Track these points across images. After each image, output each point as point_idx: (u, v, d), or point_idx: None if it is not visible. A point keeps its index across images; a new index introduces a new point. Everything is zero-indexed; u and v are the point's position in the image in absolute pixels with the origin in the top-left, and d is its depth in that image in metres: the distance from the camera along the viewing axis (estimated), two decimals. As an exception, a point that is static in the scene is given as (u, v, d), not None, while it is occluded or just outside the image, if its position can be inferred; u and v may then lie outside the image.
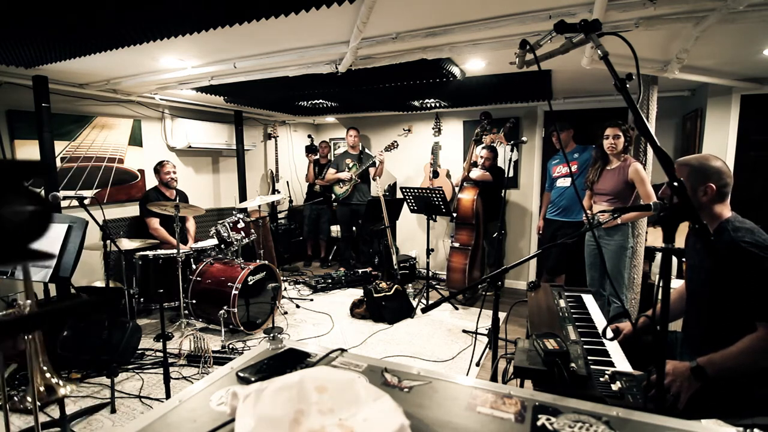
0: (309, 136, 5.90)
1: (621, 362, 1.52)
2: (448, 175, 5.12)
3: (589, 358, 1.48)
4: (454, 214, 4.36)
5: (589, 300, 2.17)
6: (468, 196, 4.28)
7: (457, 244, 4.36)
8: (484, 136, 4.46)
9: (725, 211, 1.54)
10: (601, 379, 1.31)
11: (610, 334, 1.64)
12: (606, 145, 3.06)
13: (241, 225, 3.85)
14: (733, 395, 1.42)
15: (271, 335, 1.15)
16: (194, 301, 3.57)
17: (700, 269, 1.61)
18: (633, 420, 0.77)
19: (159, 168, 4.02)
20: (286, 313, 4.05)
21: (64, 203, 3.30)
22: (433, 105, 4.75)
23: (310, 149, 5.67)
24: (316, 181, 5.62)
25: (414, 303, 4.12)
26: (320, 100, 4.47)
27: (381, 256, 4.88)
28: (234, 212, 4.02)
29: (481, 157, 4.43)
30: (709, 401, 1.41)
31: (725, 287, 1.48)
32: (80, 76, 3.36)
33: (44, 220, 0.40)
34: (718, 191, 1.51)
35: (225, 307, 3.34)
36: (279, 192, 6.04)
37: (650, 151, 2.95)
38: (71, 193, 3.74)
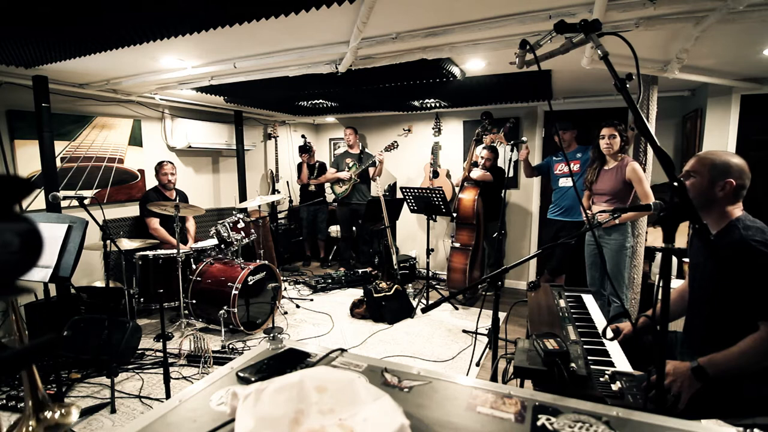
0: (303, 137, 5.90)
1: (621, 362, 1.52)
2: (448, 175, 5.12)
3: (589, 358, 1.48)
4: (455, 214, 4.36)
5: (589, 300, 2.17)
6: (468, 196, 4.28)
7: (457, 244, 4.36)
8: (484, 136, 4.46)
9: (737, 210, 1.53)
10: (601, 379, 1.31)
11: (610, 334, 1.64)
12: (602, 145, 3.07)
13: (241, 225, 3.85)
14: (733, 395, 1.42)
15: (271, 335, 1.15)
16: (194, 301, 3.57)
17: (703, 269, 1.61)
18: (633, 420, 0.77)
19: (158, 169, 4.03)
20: (286, 313, 4.05)
21: (64, 203, 3.31)
22: (433, 105, 4.75)
23: (304, 149, 5.67)
24: (310, 180, 5.62)
25: (414, 303, 4.12)
26: (320, 100, 4.47)
27: (381, 256, 4.88)
28: (234, 212, 4.02)
29: (482, 157, 4.43)
30: (710, 401, 1.41)
31: (730, 286, 1.47)
32: (80, 76, 3.36)
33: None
34: (735, 189, 1.50)
35: (225, 307, 3.34)
36: (279, 192, 6.05)
37: (650, 151, 2.95)
38: (71, 193, 3.75)
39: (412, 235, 5.71)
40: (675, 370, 1.43)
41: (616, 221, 2.96)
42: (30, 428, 1.32)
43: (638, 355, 1.63)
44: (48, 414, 1.36)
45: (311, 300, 4.44)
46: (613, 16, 1.95)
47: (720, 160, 1.52)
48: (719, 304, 1.52)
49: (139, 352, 3.14)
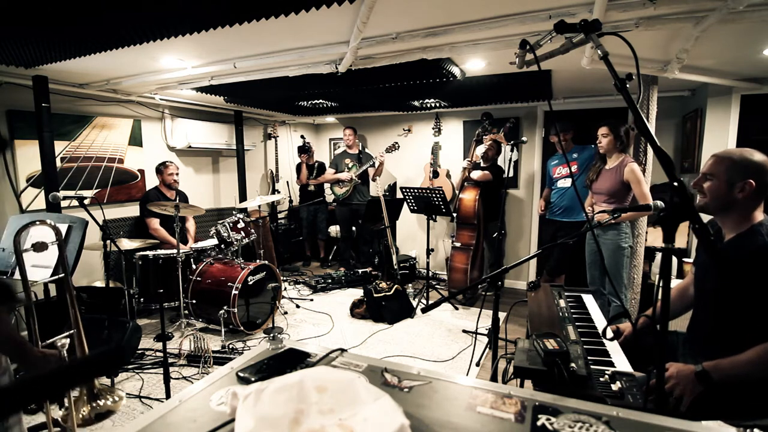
0: (302, 137, 5.91)
1: (621, 362, 1.51)
2: (448, 175, 5.12)
3: (589, 358, 1.47)
4: (455, 214, 4.36)
5: (589, 300, 2.17)
6: (469, 196, 4.28)
7: (458, 244, 4.36)
8: (484, 136, 4.46)
9: (759, 212, 1.44)
10: (601, 379, 1.31)
11: (610, 334, 1.63)
12: (598, 144, 3.10)
13: (241, 225, 3.85)
14: (736, 398, 1.40)
15: (271, 335, 1.15)
16: (194, 301, 3.57)
17: (710, 268, 1.56)
18: (633, 420, 0.77)
19: (162, 169, 4.03)
20: (286, 313, 4.05)
21: (64, 203, 3.30)
22: (433, 105, 4.75)
23: (303, 150, 5.68)
24: (309, 181, 5.63)
25: (414, 303, 4.12)
26: (320, 100, 4.47)
27: (381, 256, 4.88)
28: (234, 212, 4.02)
29: (485, 146, 4.40)
30: (712, 403, 1.39)
31: (745, 292, 1.39)
32: (80, 76, 3.36)
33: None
34: (757, 189, 1.40)
35: (225, 307, 3.34)
36: (279, 192, 6.05)
37: (650, 151, 2.95)
38: (71, 193, 3.75)
39: (412, 235, 5.71)
40: (678, 373, 1.40)
41: (612, 221, 2.95)
42: (83, 414, 1.42)
43: (638, 355, 1.63)
44: (101, 402, 1.46)
45: (311, 300, 4.44)
46: (613, 16, 1.95)
47: (738, 158, 1.42)
48: (727, 305, 1.48)
49: (139, 352, 3.14)
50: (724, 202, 1.45)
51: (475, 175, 4.36)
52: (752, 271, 1.37)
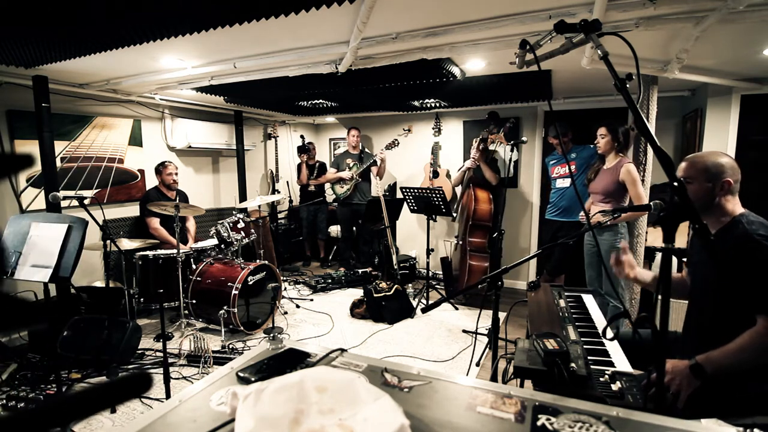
0: (301, 137, 5.91)
1: (621, 362, 1.52)
2: (448, 175, 5.12)
3: (589, 358, 1.48)
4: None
5: (589, 300, 2.17)
6: (484, 197, 4.25)
7: (474, 246, 4.33)
8: (490, 135, 4.42)
9: (738, 206, 1.55)
10: (601, 379, 1.31)
11: (610, 334, 1.64)
12: (597, 144, 3.13)
13: (241, 225, 3.85)
14: (733, 394, 1.42)
15: (271, 335, 1.15)
16: (194, 301, 3.57)
17: (704, 268, 1.60)
18: (633, 420, 0.77)
19: (161, 169, 4.03)
20: (286, 313, 4.05)
21: (64, 203, 3.30)
22: (433, 105, 4.75)
23: (303, 149, 5.68)
24: (310, 181, 5.63)
25: (414, 303, 4.12)
26: (320, 100, 4.47)
27: (381, 256, 4.88)
28: (234, 212, 4.02)
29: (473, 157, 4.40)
30: (709, 401, 1.41)
31: (731, 282, 1.47)
32: (80, 76, 3.36)
33: None
34: (732, 186, 1.52)
35: (225, 307, 3.34)
36: (279, 192, 6.05)
37: (650, 151, 2.95)
38: (71, 193, 3.74)
39: (412, 235, 5.71)
40: (674, 368, 1.43)
41: (610, 222, 2.95)
42: None
43: (638, 355, 1.63)
44: None
45: (311, 300, 4.44)
46: (613, 16, 1.96)
47: (711, 162, 1.54)
48: (720, 304, 1.51)
49: (139, 352, 3.14)
50: (706, 202, 1.54)
51: (488, 175, 4.34)
52: (737, 258, 1.44)
